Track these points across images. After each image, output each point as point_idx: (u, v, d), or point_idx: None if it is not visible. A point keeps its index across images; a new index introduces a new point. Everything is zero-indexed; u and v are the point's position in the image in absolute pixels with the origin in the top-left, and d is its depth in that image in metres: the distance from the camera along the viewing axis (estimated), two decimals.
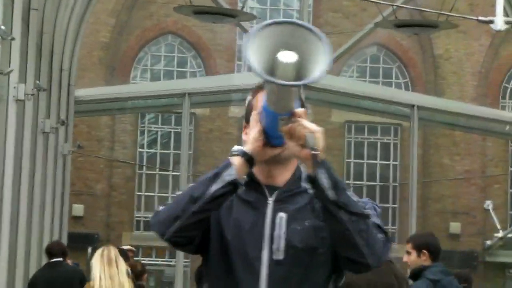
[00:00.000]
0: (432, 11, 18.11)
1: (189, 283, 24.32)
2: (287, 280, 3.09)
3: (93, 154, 27.37)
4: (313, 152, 2.97)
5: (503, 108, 28.76)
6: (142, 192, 30.02)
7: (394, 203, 29.97)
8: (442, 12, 17.12)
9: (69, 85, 18.42)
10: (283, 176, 3.18)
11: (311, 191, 3.15)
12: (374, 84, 28.52)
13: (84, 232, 26.51)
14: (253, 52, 2.89)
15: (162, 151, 30.26)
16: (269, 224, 3.13)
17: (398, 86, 29.82)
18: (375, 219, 3.15)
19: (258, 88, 3.30)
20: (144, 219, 29.30)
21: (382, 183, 30.16)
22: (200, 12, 18.39)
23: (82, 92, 20.69)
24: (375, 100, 21.79)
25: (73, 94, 19.14)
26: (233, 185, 3.06)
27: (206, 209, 3.06)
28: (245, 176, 3.19)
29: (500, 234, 28.68)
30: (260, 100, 3.22)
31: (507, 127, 22.75)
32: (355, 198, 3.10)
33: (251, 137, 3.13)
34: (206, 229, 3.16)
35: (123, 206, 29.19)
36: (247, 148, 3.11)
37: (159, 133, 30.66)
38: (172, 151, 29.41)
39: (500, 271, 29.48)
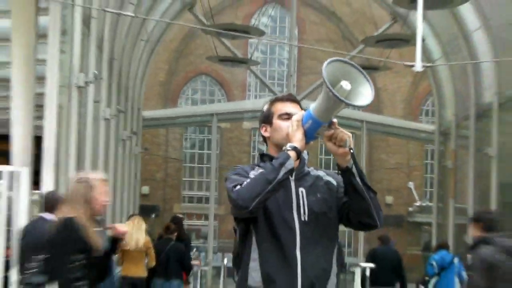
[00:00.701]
0: (375, 58, 17.72)
1: (218, 236, 24.97)
2: (313, 234, 3.08)
3: (154, 154, 27.75)
4: (351, 151, 3.01)
5: (421, 122, 28.48)
6: (186, 178, 30.31)
7: None
8: (381, 59, 17.00)
9: (138, 108, 18.83)
10: (295, 163, 3.05)
11: (313, 173, 3.22)
12: None
13: (149, 204, 25.98)
14: (327, 75, 2.84)
15: (199, 151, 30.46)
16: (295, 195, 3.11)
17: (353, 107, 29.37)
18: None
19: (274, 100, 3.28)
20: (188, 196, 30.02)
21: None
22: (223, 60, 18.77)
23: (147, 113, 21.38)
24: (338, 117, 20.04)
25: (141, 115, 19.71)
26: (292, 171, 3.00)
27: (277, 188, 2.98)
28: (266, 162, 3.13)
29: (418, 203, 29.25)
30: (281, 109, 3.21)
31: (423, 135, 22.81)
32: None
33: (298, 137, 3.02)
34: None
35: (174, 187, 29.67)
36: (297, 145, 3.01)
37: (197, 139, 30.73)
38: (205, 151, 29.71)
39: (417, 227, 29.45)
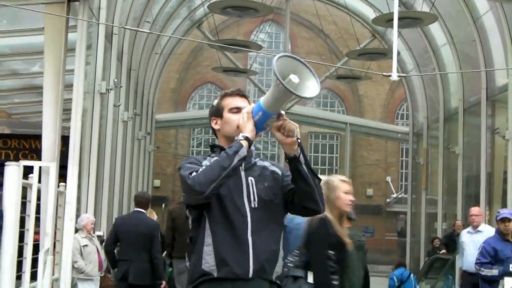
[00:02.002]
0: (357, 69, 17.67)
1: None
2: (261, 219, 2.90)
3: (165, 151, 27.70)
4: (298, 140, 2.85)
5: (397, 124, 28.47)
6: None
7: None
8: (363, 70, 17.01)
9: (152, 112, 18.57)
10: (248, 152, 2.88)
11: (259, 163, 3.03)
12: (324, 111, 28.74)
13: (160, 195, 25.58)
14: (278, 69, 2.70)
15: (204, 149, 29.75)
16: (245, 184, 2.93)
17: (338, 111, 29.67)
18: None
19: (224, 95, 3.11)
20: None
21: (329, 167, 29.58)
22: (226, 70, 18.73)
23: (159, 116, 21.16)
24: (325, 119, 22.67)
25: (155, 117, 19.49)
26: (244, 159, 2.83)
27: (230, 175, 2.81)
28: (217, 151, 3.00)
29: (394, 195, 29.35)
30: (231, 103, 3.02)
31: (399, 135, 22.69)
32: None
33: (249, 128, 2.85)
34: None
35: None
36: (249, 135, 2.83)
37: (203, 139, 30.53)
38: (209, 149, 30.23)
39: (394, 216, 29.50)
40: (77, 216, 7.69)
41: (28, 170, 5.95)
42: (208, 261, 2.87)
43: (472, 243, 8.72)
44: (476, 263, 7.28)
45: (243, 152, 2.82)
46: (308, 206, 2.94)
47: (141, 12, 13.55)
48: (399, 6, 9.46)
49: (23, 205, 5.82)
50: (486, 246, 7.14)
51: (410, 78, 18.99)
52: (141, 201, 7.80)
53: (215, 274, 2.84)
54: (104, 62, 10.18)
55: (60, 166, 6.37)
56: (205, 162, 2.89)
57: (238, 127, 2.92)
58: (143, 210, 7.73)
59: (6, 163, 5.55)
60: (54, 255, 6.49)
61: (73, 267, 7.06)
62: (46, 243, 6.21)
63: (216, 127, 3.08)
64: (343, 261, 4.36)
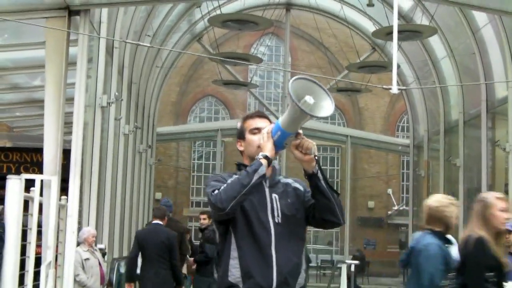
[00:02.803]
0: (357, 82, 17.87)
1: None
2: (284, 234, 3.02)
3: (167, 164, 27.61)
4: (316, 157, 2.97)
5: (397, 137, 28.65)
6: (194, 185, 30.03)
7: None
8: (363, 83, 16.91)
9: (153, 125, 18.60)
10: (268, 172, 3.03)
11: (283, 180, 3.15)
12: (325, 123, 27.10)
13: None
14: (293, 91, 2.82)
15: (205, 162, 30.24)
16: (269, 200, 3.05)
17: (339, 124, 29.59)
18: None
19: (245, 118, 3.23)
20: (195, 201, 29.68)
21: (330, 179, 29.78)
22: (227, 83, 18.81)
23: (160, 129, 21.10)
24: (326, 132, 22.37)
25: (156, 130, 19.45)
26: (264, 177, 2.95)
27: (250, 192, 2.93)
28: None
29: (396, 207, 29.38)
30: (251, 124, 3.14)
31: (399, 148, 22.69)
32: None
33: (268, 147, 2.96)
34: None
35: (183, 193, 29.58)
36: (269, 154, 2.95)
37: (204, 152, 30.57)
38: (211, 162, 29.39)
39: (396, 228, 29.58)
40: (79, 229, 7.73)
41: (29, 184, 5.95)
42: (234, 274, 3.01)
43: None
44: None
45: (262, 170, 2.94)
46: (328, 219, 3.06)
47: (141, 26, 13.58)
48: (398, 19, 9.56)
49: (25, 218, 5.82)
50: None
51: (410, 90, 19.01)
52: (157, 214, 8.52)
53: (241, 286, 2.99)
54: (105, 76, 10.20)
55: (62, 179, 6.38)
56: (230, 180, 2.97)
57: (259, 146, 3.04)
58: (160, 222, 8.37)
59: (8, 176, 5.55)
60: (56, 268, 6.48)
61: (75, 280, 7.09)
62: (48, 256, 6.20)
63: (240, 149, 3.22)
64: (501, 282, 4.19)
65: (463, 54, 14.80)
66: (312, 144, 2.96)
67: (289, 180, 3.19)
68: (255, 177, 2.92)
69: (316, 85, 2.90)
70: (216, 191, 2.93)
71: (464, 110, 15.05)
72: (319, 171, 3.00)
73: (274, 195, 3.09)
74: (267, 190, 3.09)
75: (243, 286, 2.99)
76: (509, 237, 7.13)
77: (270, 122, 3.15)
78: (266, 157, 2.96)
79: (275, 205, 3.07)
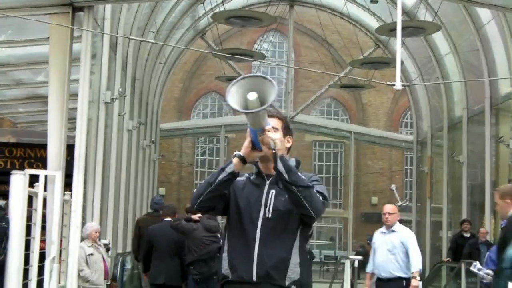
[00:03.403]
0: (360, 78, 17.74)
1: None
2: (274, 228, 3.07)
3: (170, 160, 27.66)
4: (273, 151, 2.98)
5: (401, 133, 28.56)
6: (198, 181, 29.74)
7: (340, 186, 29.84)
8: (366, 79, 16.75)
9: (157, 121, 18.56)
10: (268, 169, 3.11)
11: None
12: (328, 119, 28.54)
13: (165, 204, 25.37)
14: (232, 98, 2.88)
15: (209, 158, 30.22)
16: (265, 196, 3.12)
17: (342, 120, 29.61)
18: (319, 188, 3.08)
19: None
20: None
21: (334, 175, 30.00)
22: (230, 79, 17.09)
23: (164, 125, 21.09)
24: (330, 128, 22.48)
25: (159, 126, 19.35)
26: (232, 174, 3.05)
27: (216, 189, 3.05)
28: (254, 169, 3.19)
29: (399, 203, 27.57)
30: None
31: (403, 144, 22.84)
32: (303, 176, 3.01)
33: (244, 146, 3.07)
34: (227, 201, 3.16)
35: (186, 189, 29.21)
36: (242, 152, 3.06)
37: (207, 148, 30.52)
38: (214, 158, 29.26)
39: None
40: (83, 224, 7.81)
41: (34, 179, 5.99)
42: (224, 266, 3.16)
43: (384, 244, 7.77)
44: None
45: (229, 168, 3.06)
46: (302, 212, 3.07)
47: (145, 22, 13.59)
48: (402, 15, 9.54)
49: (29, 213, 5.86)
50: (492, 255, 6.85)
51: (414, 87, 18.99)
52: (167, 212, 9.06)
53: (230, 277, 3.13)
54: (109, 72, 10.21)
55: (66, 174, 6.41)
56: (239, 179, 3.18)
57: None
58: (170, 219, 8.67)
59: (12, 172, 5.60)
60: (60, 263, 6.51)
61: (79, 275, 7.10)
62: (52, 251, 6.24)
63: None
64: None
65: (467, 51, 14.78)
66: (269, 139, 2.98)
67: (316, 177, 3.22)
68: (221, 175, 3.05)
69: (249, 78, 2.94)
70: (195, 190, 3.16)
71: (467, 107, 15.04)
72: (280, 165, 2.98)
73: (272, 191, 3.14)
74: (267, 186, 3.15)
75: (231, 277, 3.12)
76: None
77: (282, 121, 3.23)
78: (239, 156, 3.07)
79: (269, 201, 3.12)
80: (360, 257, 11.78)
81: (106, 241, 9.43)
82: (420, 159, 19.41)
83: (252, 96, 2.88)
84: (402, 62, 12.29)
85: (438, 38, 15.92)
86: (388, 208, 8.13)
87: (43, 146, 7.36)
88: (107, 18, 10.07)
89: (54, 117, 6.48)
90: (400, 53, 8.27)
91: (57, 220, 6.26)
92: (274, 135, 3.03)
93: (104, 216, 10.48)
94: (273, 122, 3.17)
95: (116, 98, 10.26)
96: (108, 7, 9.96)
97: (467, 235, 12.37)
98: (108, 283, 8.47)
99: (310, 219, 3.10)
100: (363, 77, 17.57)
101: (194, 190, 3.18)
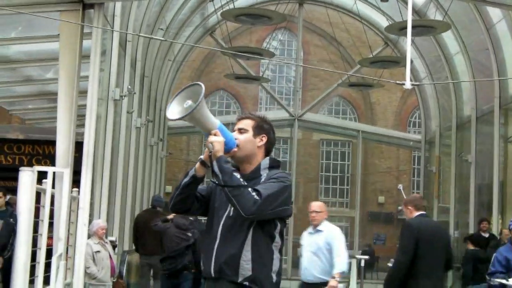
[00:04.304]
0: (369, 77, 17.63)
1: None
2: (232, 226, 3.14)
3: (177, 157, 27.73)
4: (209, 153, 3.10)
5: (409, 132, 28.44)
6: (204, 178, 30.67)
7: (347, 185, 29.77)
8: (375, 78, 16.52)
9: (165, 118, 17.90)
10: (249, 168, 3.21)
11: (266, 175, 3.22)
12: (336, 118, 28.56)
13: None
14: (172, 111, 3.03)
15: None
16: None
17: (350, 119, 29.69)
18: (266, 185, 3.10)
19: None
20: None
21: (341, 174, 30.00)
22: (238, 77, 18.70)
23: (172, 123, 19.64)
24: (337, 127, 22.27)
25: (167, 124, 19.13)
26: (193, 177, 3.15)
27: (182, 192, 3.16)
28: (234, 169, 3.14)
29: None
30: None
31: (411, 143, 22.64)
32: (238, 176, 3.05)
33: (205, 150, 3.18)
34: (207, 202, 3.27)
35: None
36: (202, 156, 3.18)
37: None
38: None
39: None
40: (90, 221, 7.75)
41: (42, 176, 5.99)
42: (201, 264, 3.33)
43: (309, 245, 7.33)
44: (488, 273, 7.01)
45: (191, 172, 3.21)
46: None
47: (154, 19, 13.54)
48: (412, 14, 9.43)
49: (37, 210, 5.86)
50: (498, 256, 6.93)
51: (423, 86, 18.90)
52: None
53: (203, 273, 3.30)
54: (118, 69, 10.20)
55: (74, 171, 6.41)
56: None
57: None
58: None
59: (20, 168, 5.59)
60: (66, 260, 6.52)
61: (85, 272, 7.11)
62: (59, 248, 6.22)
63: None
64: None
65: (477, 50, 14.72)
66: (208, 141, 3.13)
67: (275, 175, 3.22)
68: (185, 179, 3.19)
69: (183, 91, 3.12)
70: None
71: (476, 106, 14.97)
72: (214, 167, 3.08)
73: None
74: None
75: (203, 274, 3.29)
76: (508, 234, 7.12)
77: (253, 121, 3.35)
78: (199, 159, 3.21)
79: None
80: (366, 257, 11.74)
81: (112, 238, 9.49)
82: (428, 159, 19.34)
83: (187, 103, 3.04)
84: (411, 61, 12.30)
85: (448, 37, 15.86)
86: (315, 206, 7.46)
87: (52, 143, 7.43)
88: (117, 15, 10.02)
89: (63, 114, 6.47)
90: (410, 52, 8.25)
91: (64, 217, 6.27)
92: (213, 138, 3.12)
93: (111, 213, 10.47)
94: (242, 124, 3.32)
95: (125, 96, 10.24)
96: (118, 4, 9.91)
97: (486, 235, 11.94)
98: (114, 280, 8.48)
99: (246, 219, 3.10)
100: (372, 76, 17.39)
101: None
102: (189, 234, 8.93)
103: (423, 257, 6.18)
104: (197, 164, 3.19)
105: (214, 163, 3.08)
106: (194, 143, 29.90)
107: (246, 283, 3.12)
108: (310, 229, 7.45)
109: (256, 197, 3.04)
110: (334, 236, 7.24)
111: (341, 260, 7.12)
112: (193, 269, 8.89)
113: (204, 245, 3.29)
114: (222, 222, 3.19)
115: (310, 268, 7.21)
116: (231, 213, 3.17)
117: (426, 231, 6.32)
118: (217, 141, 3.12)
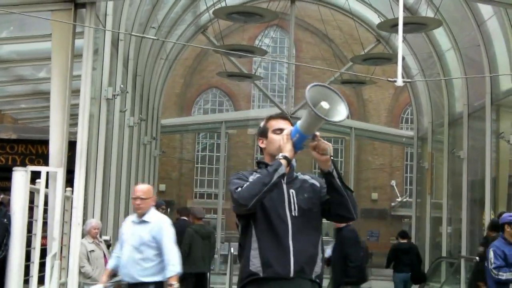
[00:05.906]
0: (362, 74, 17.83)
1: (225, 228, 24.42)
2: (301, 226, 3.23)
3: (171, 156, 27.76)
4: (331, 157, 3.18)
5: (401, 129, 28.71)
6: (198, 177, 30.26)
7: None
8: (367, 75, 16.94)
9: (157, 117, 18.47)
10: (287, 170, 3.20)
11: (300, 177, 3.37)
12: None
13: (166, 199, 23.59)
14: (310, 97, 3.01)
15: (209, 154, 30.22)
16: (286, 195, 3.27)
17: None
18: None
19: (269, 118, 3.44)
20: (199, 192, 29.82)
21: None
22: (231, 75, 18.61)
23: (165, 121, 21.06)
24: (330, 124, 23.06)
25: (160, 122, 19.27)
26: (283, 176, 3.17)
27: (271, 190, 3.14)
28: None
29: (399, 199, 29.36)
30: (275, 125, 3.37)
31: (403, 139, 22.86)
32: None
33: (288, 148, 3.16)
34: None
35: (187, 185, 29.70)
36: (288, 154, 3.15)
37: (208, 144, 30.63)
38: (215, 154, 29.22)
39: (399, 220, 29.34)
40: (84, 221, 7.77)
41: (35, 175, 6.00)
42: (255, 263, 3.24)
43: (131, 237, 6.03)
44: (493, 268, 6.96)
45: (281, 170, 3.15)
46: (342, 214, 3.31)
47: (146, 18, 13.52)
48: (403, 11, 9.45)
49: (31, 210, 5.88)
50: (496, 250, 6.98)
51: (415, 82, 18.99)
52: (183, 211, 11.21)
53: (261, 274, 3.22)
54: (110, 68, 10.20)
55: (67, 171, 6.39)
56: (251, 178, 3.23)
57: (279, 146, 3.25)
58: (185, 218, 10.25)
59: (14, 168, 5.60)
60: (61, 259, 6.51)
61: (80, 271, 7.10)
62: (53, 247, 6.25)
63: (262, 146, 3.44)
64: None
65: (468, 47, 14.72)
66: (328, 145, 3.19)
67: (307, 177, 3.41)
68: (275, 176, 3.13)
69: (332, 92, 3.11)
70: (239, 189, 3.15)
71: (468, 102, 14.99)
72: (334, 170, 3.21)
73: (292, 191, 3.30)
74: (285, 186, 3.29)
75: (262, 275, 3.21)
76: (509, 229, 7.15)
77: (291, 124, 3.36)
78: (285, 158, 3.16)
79: (291, 200, 3.28)
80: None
81: (107, 238, 9.47)
82: (420, 155, 19.35)
83: (326, 105, 3.05)
84: (403, 58, 12.39)
85: (439, 34, 15.90)
86: (140, 190, 6.11)
87: (44, 143, 7.42)
88: (109, 14, 10.02)
89: (56, 114, 6.47)
90: (401, 49, 8.20)
91: (58, 216, 6.26)
92: (325, 142, 3.20)
93: (105, 213, 10.47)
94: (287, 124, 3.36)
95: (117, 95, 10.24)
96: (110, 3, 9.91)
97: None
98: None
99: (346, 220, 3.35)
100: (364, 73, 17.73)
101: (237, 190, 3.13)
102: None
103: None
104: (285, 162, 3.16)
105: (333, 167, 3.21)
106: (188, 141, 30.07)
107: (317, 280, 3.28)
108: (134, 217, 6.21)
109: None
110: (162, 227, 6.01)
111: (174, 260, 5.93)
112: None
113: (267, 245, 3.22)
114: (290, 221, 3.24)
115: (130, 266, 5.98)
116: (296, 213, 3.25)
117: None
118: (330, 146, 3.22)
